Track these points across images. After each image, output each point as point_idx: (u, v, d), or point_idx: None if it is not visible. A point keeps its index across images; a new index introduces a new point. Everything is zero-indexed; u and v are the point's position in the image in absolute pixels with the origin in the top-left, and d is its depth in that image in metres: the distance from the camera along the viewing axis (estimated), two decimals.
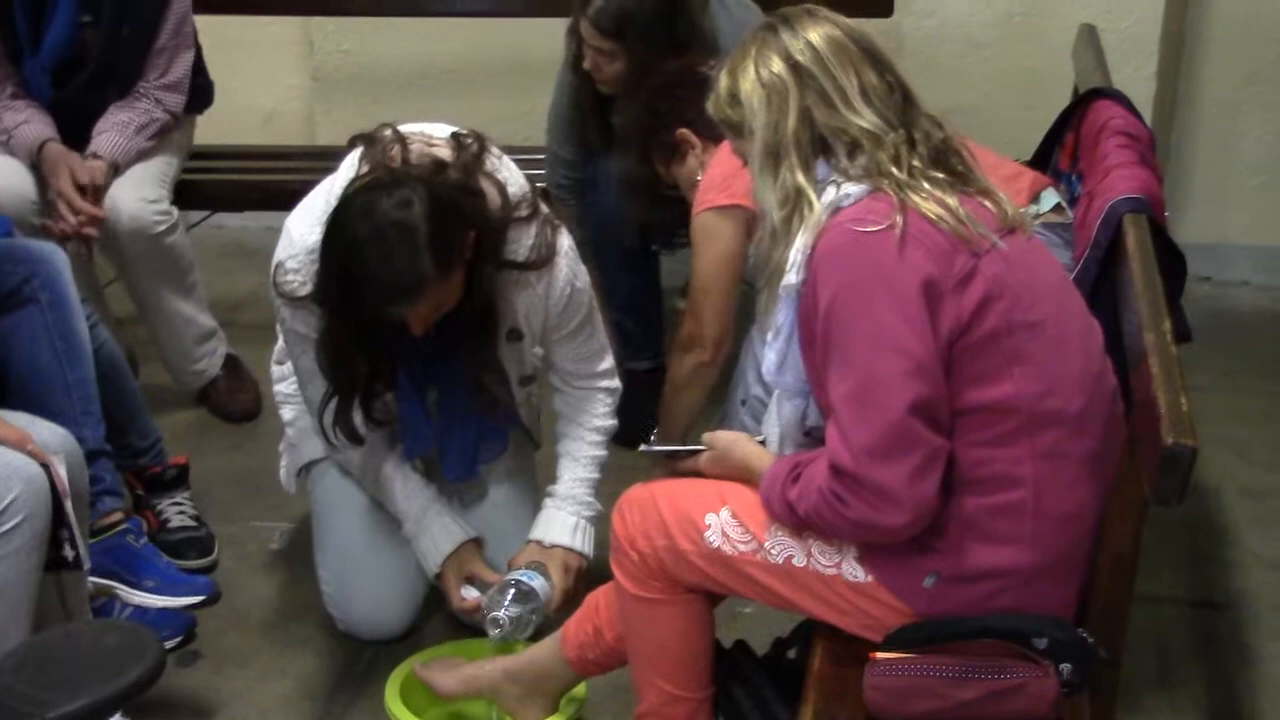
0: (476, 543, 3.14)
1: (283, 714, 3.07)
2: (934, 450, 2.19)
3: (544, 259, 2.92)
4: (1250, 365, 4.49)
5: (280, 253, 2.92)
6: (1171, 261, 2.74)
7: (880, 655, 2.23)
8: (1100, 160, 2.99)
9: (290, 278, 2.88)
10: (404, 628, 3.24)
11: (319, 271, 2.76)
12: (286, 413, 3.31)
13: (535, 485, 3.34)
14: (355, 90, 5.06)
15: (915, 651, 2.25)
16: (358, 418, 2.95)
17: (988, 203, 2.31)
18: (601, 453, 3.21)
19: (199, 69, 4.04)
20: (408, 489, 3.12)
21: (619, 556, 2.54)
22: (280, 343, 3.34)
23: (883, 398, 2.18)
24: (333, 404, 2.94)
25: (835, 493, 2.22)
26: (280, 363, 3.32)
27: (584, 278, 3.05)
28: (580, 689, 2.90)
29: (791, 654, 2.82)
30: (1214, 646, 3.26)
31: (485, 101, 4.83)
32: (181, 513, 3.52)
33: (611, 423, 3.22)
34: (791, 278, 2.30)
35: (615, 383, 3.23)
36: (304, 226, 2.88)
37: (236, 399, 4.16)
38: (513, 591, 3.02)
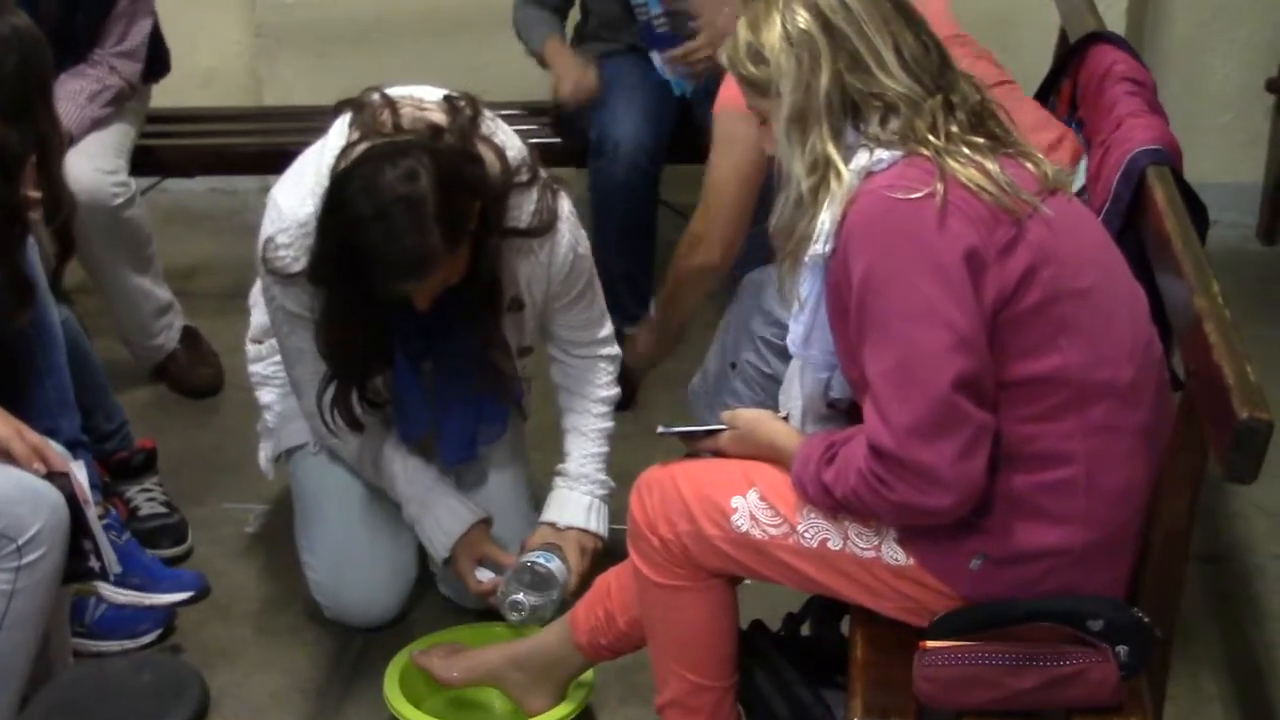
0: (485, 523, 3.01)
1: (276, 710, 2.94)
2: (980, 427, 2.08)
3: (547, 225, 2.79)
4: None
5: (269, 227, 2.77)
6: (1193, 212, 2.64)
7: (931, 644, 2.13)
8: (1108, 108, 2.88)
9: (282, 253, 2.73)
10: (395, 614, 3.12)
11: (317, 249, 2.62)
12: (265, 395, 3.17)
13: (528, 461, 3.22)
14: (300, 46, 4.87)
15: (965, 638, 2.15)
16: (354, 400, 2.82)
17: (1029, 165, 2.20)
18: (609, 424, 3.10)
19: (156, 36, 3.86)
20: (408, 471, 2.98)
21: (638, 542, 2.43)
22: (255, 320, 3.20)
23: (925, 374, 2.07)
24: (331, 387, 2.80)
25: (876, 474, 2.11)
26: (257, 341, 3.17)
27: (585, 243, 2.93)
28: (588, 674, 2.80)
29: (805, 630, 2.74)
30: (1222, 603, 3.20)
31: (441, 55, 4.67)
32: (152, 499, 3.36)
33: (615, 391, 3.11)
34: (820, 247, 2.18)
35: (616, 349, 3.12)
36: (294, 199, 2.73)
37: (197, 373, 4.00)
38: (529, 575, 2.90)
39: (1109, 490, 2.15)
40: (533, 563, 2.91)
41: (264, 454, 3.22)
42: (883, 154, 2.15)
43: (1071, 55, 3.24)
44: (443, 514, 2.98)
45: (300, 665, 3.06)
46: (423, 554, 3.14)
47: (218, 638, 3.11)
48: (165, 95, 4.33)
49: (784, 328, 2.99)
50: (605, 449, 3.09)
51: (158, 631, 3.06)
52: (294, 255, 2.71)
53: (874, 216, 2.11)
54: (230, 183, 5.00)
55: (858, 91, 2.18)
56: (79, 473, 2.53)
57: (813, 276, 2.23)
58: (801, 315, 2.28)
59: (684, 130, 3.90)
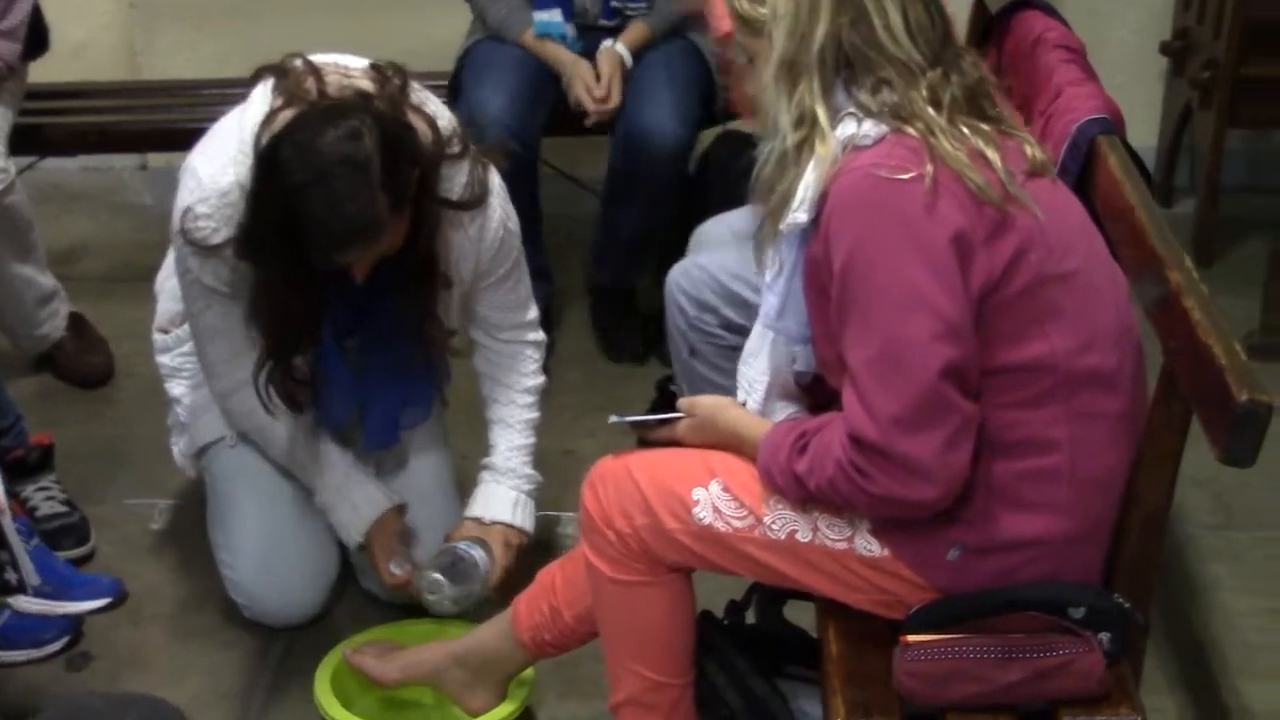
0: (400, 510, 2.91)
1: (199, 717, 2.80)
2: (966, 418, 2.01)
3: (479, 198, 2.69)
4: None
5: (186, 196, 2.62)
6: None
7: (912, 638, 2.06)
8: (1045, 78, 2.83)
9: (201, 224, 2.60)
10: (316, 611, 3.00)
11: (249, 221, 2.49)
12: (175, 388, 3.04)
13: (450, 447, 3.12)
14: (178, 17, 4.67)
15: (944, 631, 2.08)
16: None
17: (1026, 148, 2.13)
18: (535, 414, 3.00)
19: (36, 12, 3.66)
20: (323, 456, 2.87)
21: (592, 536, 2.33)
22: (162, 308, 3.05)
23: (911, 363, 1.99)
24: (266, 366, 2.68)
25: (857, 466, 2.03)
26: (164, 330, 3.03)
27: (515, 219, 2.83)
28: (529, 671, 2.70)
29: (750, 618, 2.67)
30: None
31: (322, 28, 4.48)
32: (50, 498, 3.20)
33: (541, 380, 3.01)
34: (801, 216, 2.09)
35: (541, 335, 3.02)
36: (213, 167, 2.60)
37: (86, 361, 3.82)
38: (451, 559, 2.81)
39: (1091, 478, 2.09)
40: (455, 550, 2.82)
41: (178, 450, 3.08)
42: (869, 128, 2.06)
43: (995, 23, 3.18)
44: (358, 499, 2.87)
45: (220, 669, 2.93)
46: (344, 549, 3.02)
47: (129, 643, 2.97)
48: (33, 70, 4.14)
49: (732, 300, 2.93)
50: (532, 440, 3.00)
51: (65, 640, 2.88)
52: (214, 226, 2.59)
53: (859, 196, 2.03)
54: (106, 160, 4.81)
55: (855, 50, 2.09)
56: None
57: (789, 246, 2.14)
58: (776, 284, 2.19)
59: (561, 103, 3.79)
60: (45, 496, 3.19)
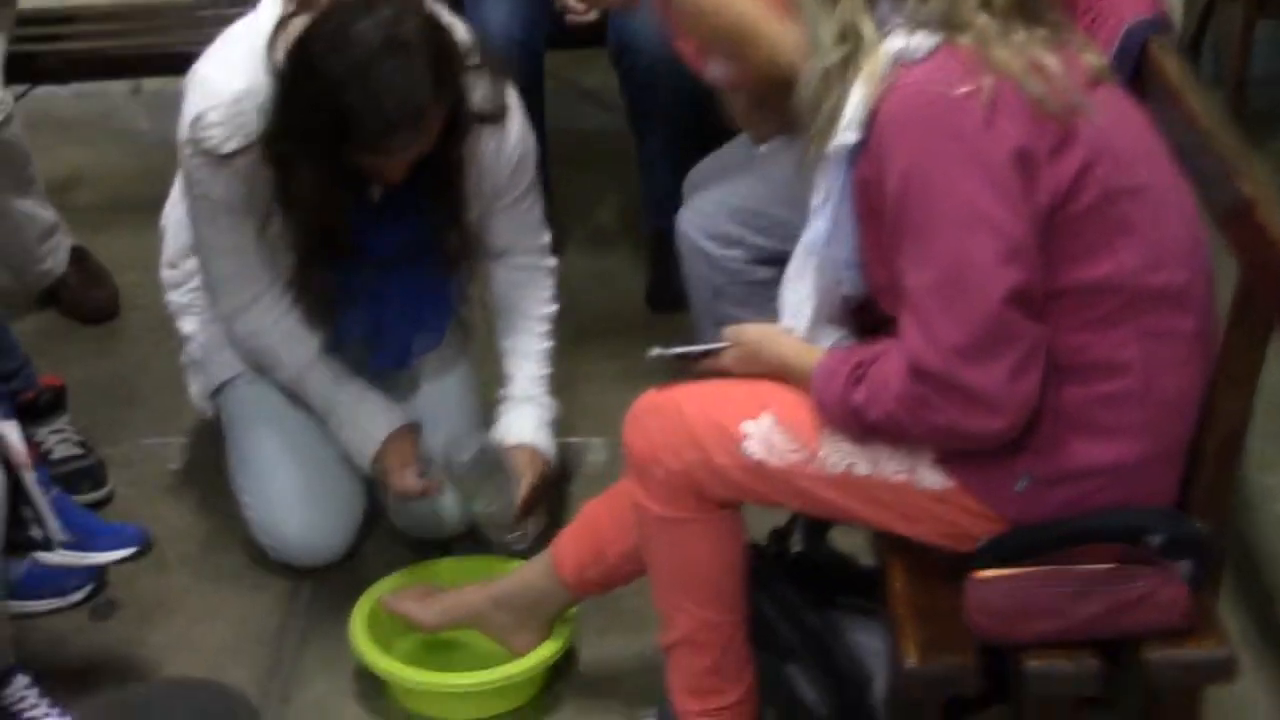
0: (413, 428, 2.82)
1: (230, 664, 2.72)
2: (1034, 342, 1.92)
3: (499, 111, 2.61)
4: None
5: (197, 104, 2.53)
6: None
7: (983, 574, 1.97)
8: None
9: (212, 132, 2.51)
10: (345, 550, 2.91)
11: (280, 124, 2.43)
12: (186, 324, 2.94)
13: (475, 372, 3.03)
14: None
15: (1016, 564, 1.99)
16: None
17: (1085, 54, 2.01)
18: (550, 343, 2.92)
19: None
20: (336, 376, 2.78)
21: (639, 474, 2.24)
22: (170, 242, 2.94)
23: (975, 287, 1.89)
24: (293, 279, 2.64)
25: (918, 397, 1.94)
26: (173, 265, 2.93)
27: (532, 137, 2.75)
28: (571, 610, 2.62)
29: (795, 546, 2.59)
30: None
31: None
32: (64, 440, 3.10)
33: (555, 308, 2.93)
34: (849, 136, 1.99)
35: (554, 261, 2.93)
36: (224, 73, 2.52)
37: (91, 296, 3.71)
38: (478, 448, 2.74)
39: (1164, 400, 2.00)
40: (481, 439, 2.77)
41: (195, 390, 2.98)
42: (920, 40, 1.95)
43: None
44: (366, 419, 2.78)
45: (249, 613, 2.85)
46: (370, 485, 2.94)
47: (155, 589, 2.88)
48: None
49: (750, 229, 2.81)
50: (548, 370, 2.93)
51: (89, 588, 2.81)
52: (226, 134, 2.51)
53: (913, 113, 1.92)
54: (98, 85, 4.66)
55: None
56: (12, 434, 2.29)
57: (837, 168, 2.04)
58: (824, 209, 2.08)
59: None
60: (59, 439, 3.10)
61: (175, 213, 2.90)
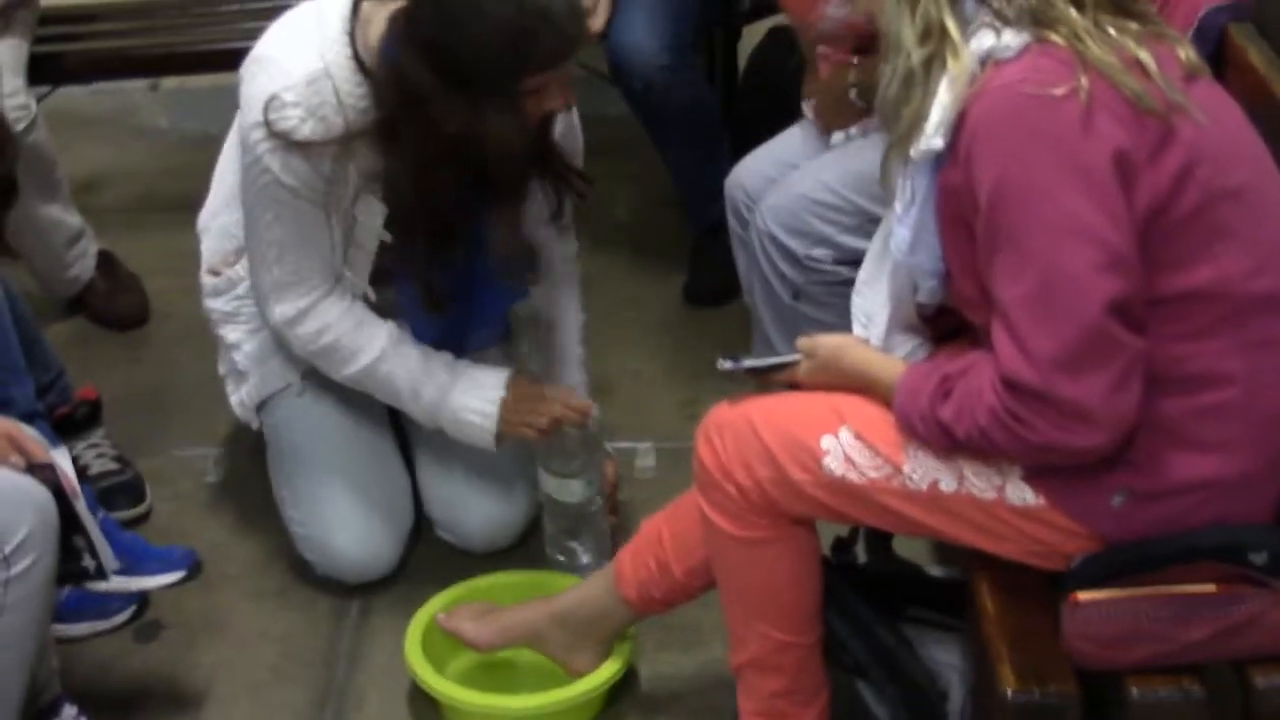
0: (520, 372, 2.77)
1: (280, 686, 2.65)
2: (1134, 355, 1.83)
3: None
4: None
5: (269, 84, 2.46)
6: None
7: (1082, 597, 1.88)
8: None
9: (289, 114, 2.44)
10: (394, 565, 2.84)
11: (433, 61, 2.36)
12: (231, 333, 2.85)
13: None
14: None
15: (1113, 584, 1.91)
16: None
17: (1179, 49, 1.92)
18: (585, 350, 2.91)
19: None
20: (422, 352, 2.69)
21: (710, 491, 2.16)
22: (209, 247, 2.85)
23: (1073, 298, 1.81)
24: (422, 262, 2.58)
25: (1013, 413, 1.85)
26: (215, 272, 2.83)
27: (581, 136, 2.73)
28: (630, 628, 2.54)
29: (861, 557, 2.51)
30: None
31: None
32: (101, 455, 3.02)
33: (584, 318, 2.92)
34: (936, 142, 1.90)
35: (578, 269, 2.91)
36: (293, 54, 2.46)
37: (120, 302, 3.63)
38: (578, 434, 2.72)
39: (1266, 412, 1.91)
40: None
41: (238, 401, 2.89)
42: (1010, 39, 1.86)
43: None
44: (473, 380, 2.69)
45: (297, 633, 2.76)
46: (418, 499, 2.88)
47: (199, 609, 2.80)
48: None
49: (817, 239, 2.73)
50: (588, 378, 2.91)
51: (131, 609, 2.75)
52: (301, 116, 2.45)
53: (1006, 116, 1.83)
54: (115, 84, 4.57)
55: None
56: (63, 461, 2.22)
57: (922, 173, 1.95)
58: (907, 216, 2.00)
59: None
60: (96, 454, 3.01)
61: (218, 219, 2.82)
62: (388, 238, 2.60)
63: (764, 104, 3.52)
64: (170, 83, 4.49)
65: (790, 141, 2.93)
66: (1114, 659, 1.89)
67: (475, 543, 2.86)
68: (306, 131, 2.44)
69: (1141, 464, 1.91)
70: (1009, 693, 1.86)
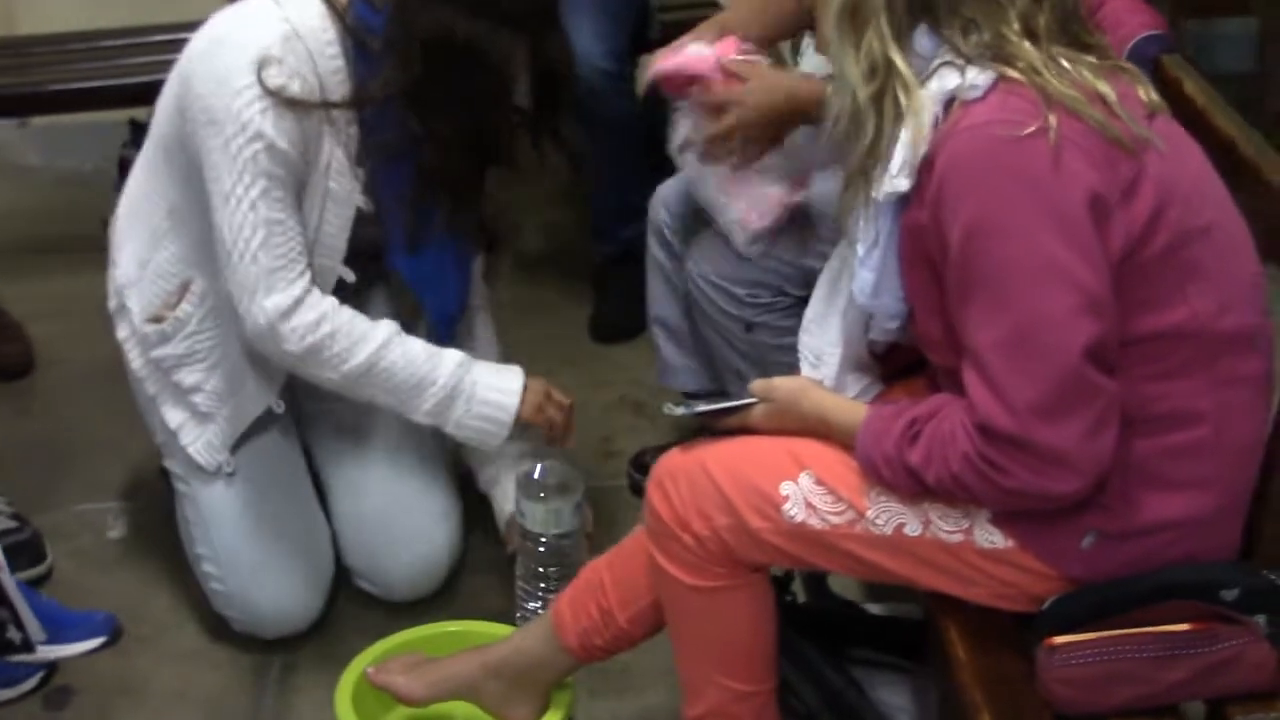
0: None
1: None
2: (1110, 399, 1.81)
3: None
4: None
5: (252, 50, 2.40)
6: None
7: (1058, 640, 1.86)
8: None
9: (278, 70, 2.39)
10: (317, 616, 2.75)
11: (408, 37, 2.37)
12: (189, 377, 2.67)
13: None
14: None
15: (1086, 626, 1.88)
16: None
17: (1138, 87, 1.91)
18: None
19: None
20: (427, 345, 2.60)
21: (665, 541, 2.11)
22: (145, 297, 2.69)
23: (1050, 343, 1.78)
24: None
25: (988, 459, 1.82)
26: (157, 320, 2.67)
27: None
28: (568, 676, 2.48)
29: (798, 597, 2.48)
30: None
31: None
32: None
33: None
34: (901, 183, 1.87)
35: None
36: (257, 23, 2.43)
37: (3, 353, 3.49)
38: (560, 468, 2.67)
39: (1235, 448, 1.90)
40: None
41: (204, 445, 2.69)
42: (975, 76, 1.83)
43: None
44: (490, 375, 2.62)
45: (218, 695, 2.66)
46: (335, 547, 2.80)
47: (112, 672, 2.68)
48: None
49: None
50: None
51: (39, 675, 2.62)
52: (289, 73, 2.39)
53: (978, 159, 1.80)
54: None
55: None
56: None
57: (884, 215, 1.92)
58: (869, 259, 1.96)
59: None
60: None
61: (149, 266, 2.67)
62: (366, 205, 2.54)
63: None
64: (40, 119, 4.34)
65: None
66: (1095, 702, 1.86)
67: (398, 592, 2.79)
68: (296, 89, 2.39)
69: (1112, 505, 1.89)
70: None
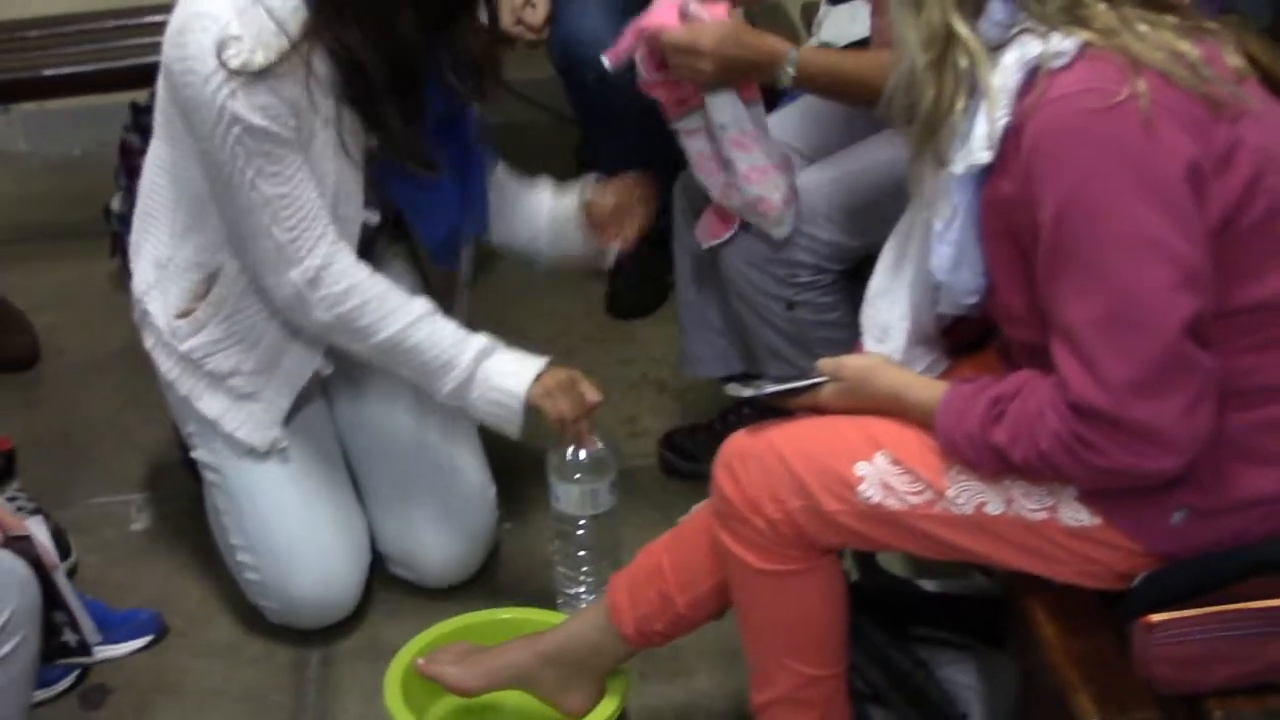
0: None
1: None
2: (1208, 374, 1.76)
3: None
4: None
5: (205, 36, 2.34)
6: None
7: (1157, 618, 1.82)
8: None
9: (238, 48, 2.33)
10: (355, 604, 2.70)
11: None
12: (226, 362, 2.62)
13: None
14: None
15: (1180, 603, 1.84)
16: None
17: (1223, 50, 1.86)
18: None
19: None
20: (456, 327, 2.53)
21: (735, 524, 2.06)
22: (170, 297, 2.62)
23: (1149, 319, 1.74)
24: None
25: (1081, 437, 1.78)
26: (184, 314, 2.62)
27: None
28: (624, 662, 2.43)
29: (849, 576, 2.44)
30: None
31: None
32: (20, 510, 2.82)
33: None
34: (984, 156, 1.82)
35: None
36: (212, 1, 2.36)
37: (8, 343, 3.42)
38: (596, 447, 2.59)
39: None
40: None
41: (250, 428, 2.64)
42: (1060, 42, 1.78)
43: None
44: (511, 361, 2.54)
45: (258, 690, 2.61)
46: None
47: (147, 669, 2.63)
48: None
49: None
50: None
51: (74, 675, 2.57)
52: (250, 47, 2.34)
53: (1070, 130, 1.75)
54: None
55: None
56: (38, 531, 2.05)
57: (962, 188, 1.87)
58: (948, 233, 1.91)
59: None
60: (15, 509, 2.81)
61: (174, 261, 2.61)
62: (370, 141, 2.49)
63: None
64: (27, 104, 4.26)
65: None
66: (1195, 681, 1.82)
67: (433, 578, 2.74)
68: (260, 59, 2.33)
69: (1205, 481, 1.85)
70: None
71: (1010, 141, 1.80)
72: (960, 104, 1.85)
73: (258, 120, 2.35)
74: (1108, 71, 1.76)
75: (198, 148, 2.44)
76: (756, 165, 2.55)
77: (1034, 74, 1.80)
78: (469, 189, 2.68)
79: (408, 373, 2.55)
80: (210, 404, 2.63)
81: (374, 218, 2.58)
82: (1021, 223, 1.82)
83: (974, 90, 1.85)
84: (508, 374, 2.52)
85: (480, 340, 2.53)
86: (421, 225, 2.66)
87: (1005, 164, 1.82)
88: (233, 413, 2.63)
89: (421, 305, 2.52)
